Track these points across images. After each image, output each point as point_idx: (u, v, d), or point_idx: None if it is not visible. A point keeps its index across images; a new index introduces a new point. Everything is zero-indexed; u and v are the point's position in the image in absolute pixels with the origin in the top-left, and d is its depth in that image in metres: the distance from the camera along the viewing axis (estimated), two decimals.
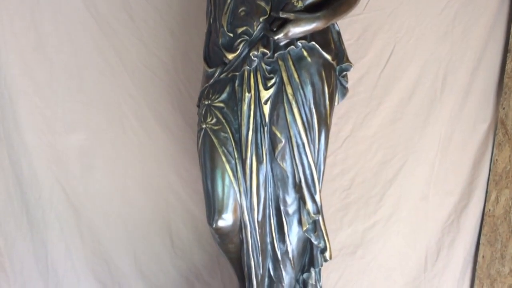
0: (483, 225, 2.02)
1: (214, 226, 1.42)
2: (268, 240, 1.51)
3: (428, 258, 2.08)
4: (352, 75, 1.69)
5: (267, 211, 1.47)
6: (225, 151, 1.40)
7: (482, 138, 1.97)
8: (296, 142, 1.37)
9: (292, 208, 1.47)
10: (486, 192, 2.00)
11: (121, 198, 1.94)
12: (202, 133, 1.43)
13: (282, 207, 1.46)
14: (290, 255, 1.52)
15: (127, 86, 1.84)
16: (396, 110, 1.91)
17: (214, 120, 1.40)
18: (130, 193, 1.94)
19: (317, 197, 1.43)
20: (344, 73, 1.48)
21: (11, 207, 1.90)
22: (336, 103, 1.50)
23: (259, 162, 1.40)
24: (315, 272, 1.63)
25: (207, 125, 1.41)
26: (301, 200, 1.44)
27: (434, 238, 2.07)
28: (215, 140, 1.39)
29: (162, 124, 1.88)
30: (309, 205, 1.43)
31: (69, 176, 1.90)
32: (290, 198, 1.46)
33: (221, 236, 1.46)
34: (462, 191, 2.01)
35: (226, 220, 1.42)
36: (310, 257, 1.61)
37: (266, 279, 1.57)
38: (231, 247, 1.51)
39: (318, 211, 1.44)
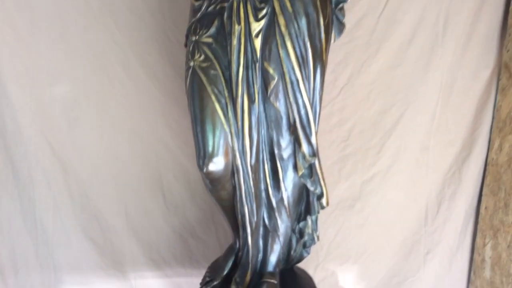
0: (485, 175, 1.95)
1: (204, 170, 1.34)
2: (262, 187, 1.44)
3: (429, 211, 2.03)
4: (349, 19, 1.60)
5: (261, 155, 1.40)
6: (215, 90, 1.31)
7: (485, 84, 1.88)
8: (290, 78, 1.28)
9: (286, 152, 1.39)
10: (489, 140, 1.93)
11: (109, 151, 1.87)
12: (190, 71, 1.34)
13: (276, 151, 1.39)
14: (286, 203, 1.45)
15: (111, 32, 1.74)
16: (395, 56, 1.82)
17: (203, 57, 1.31)
18: (118, 146, 1.87)
19: (312, 139, 1.35)
20: (341, 5, 1.38)
21: None
22: (332, 41, 1.41)
23: (251, 101, 1.32)
24: (311, 220, 1.57)
25: (195, 63, 1.32)
26: (296, 142, 1.36)
27: (435, 190, 2.01)
28: (203, 78, 1.31)
29: (149, 73, 1.79)
30: (305, 147, 1.35)
31: (54, 129, 1.82)
32: (285, 141, 1.38)
33: (213, 181, 1.39)
34: (464, 141, 1.94)
35: (217, 164, 1.34)
36: (306, 205, 1.55)
37: (261, 229, 1.51)
38: (224, 194, 1.44)
39: (314, 153, 1.36)
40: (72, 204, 1.91)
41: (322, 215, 1.97)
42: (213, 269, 1.63)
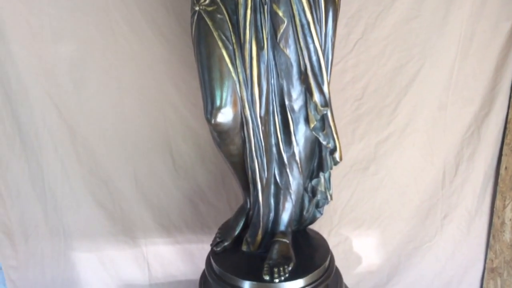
0: (506, 133, 1.88)
1: (212, 122, 1.29)
2: (273, 141, 1.39)
3: (446, 173, 1.96)
4: None
5: (270, 106, 1.34)
6: (222, 35, 1.25)
7: (506, 37, 1.79)
8: (300, 21, 1.21)
9: (298, 104, 1.33)
10: (510, 97, 1.84)
11: (116, 113, 1.82)
12: (196, 17, 1.28)
13: (287, 102, 1.33)
14: (297, 158, 1.40)
15: None
16: (412, 7, 1.73)
17: (208, 0, 1.25)
18: (125, 107, 1.81)
19: (325, 88, 1.29)
20: None
21: (2, 126, 1.80)
22: None
23: (260, 47, 1.25)
24: (324, 178, 1.52)
25: (201, 7, 1.26)
26: (307, 91, 1.30)
27: (453, 151, 1.94)
28: (210, 23, 1.25)
29: (155, 29, 1.72)
30: (316, 96, 1.29)
31: (60, 91, 1.77)
32: (296, 91, 1.32)
33: (221, 134, 1.33)
34: (484, 98, 1.86)
35: (225, 115, 1.29)
36: (319, 161, 1.49)
37: (272, 186, 1.46)
38: (233, 149, 1.39)
39: (327, 103, 1.30)
40: (80, 168, 1.87)
41: (336, 178, 1.93)
42: (224, 230, 1.59)
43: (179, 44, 1.73)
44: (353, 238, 2.04)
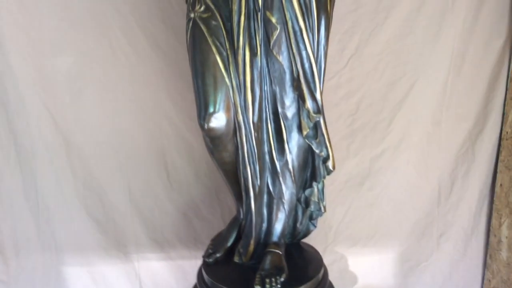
0: (500, 150, 1.88)
1: (205, 127, 1.29)
2: (266, 149, 1.39)
3: (442, 190, 1.95)
4: None
5: (264, 113, 1.35)
6: (216, 41, 1.27)
7: (498, 55, 1.82)
8: (293, 28, 1.23)
9: (291, 111, 1.34)
10: (503, 114, 1.85)
11: (112, 125, 1.82)
12: (191, 23, 1.30)
13: (280, 110, 1.33)
14: (290, 166, 1.39)
15: (114, 1, 1.72)
16: (404, 24, 1.77)
17: (203, 7, 1.27)
18: (121, 120, 1.82)
19: (317, 95, 1.29)
20: None
21: None
22: None
23: (253, 54, 1.27)
24: (318, 188, 1.51)
25: (196, 14, 1.28)
26: (299, 98, 1.31)
27: (448, 168, 1.94)
28: (204, 29, 1.27)
29: (153, 44, 1.75)
30: (309, 103, 1.29)
31: (57, 102, 1.79)
32: (288, 99, 1.33)
33: (214, 140, 1.34)
34: (477, 115, 1.87)
35: (218, 120, 1.29)
36: (312, 171, 1.49)
37: (265, 196, 1.45)
38: (226, 156, 1.39)
39: (319, 110, 1.30)
40: (74, 181, 1.87)
41: (330, 194, 1.92)
42: (216, 241, 1.57)
43: (175, 57, 1.76)
44: (349, 256, 2.02)
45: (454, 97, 1.85)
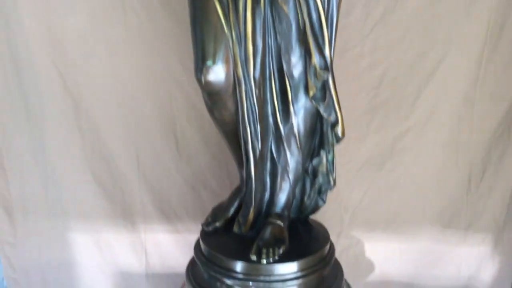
0: None
1: (203, 80, 1.21)
2: (269, 110, 1.29)
3: (472, 176, 1.79)
4: None
5: (267, 70, 1.25)
6: None
7: None
8: None
9: (297, 69, 1.24)
10: None
11: (122, 89, 1.76)
12: None
13: (285, 67, 1.23)
14: (295, 131, 1.29)
15: None
16: None
17: None
18: (131, 84, 1.75)
19: (325, 50, 1.18)
20: None
21: (10, 98, 1.78)
22: None
23: (255, 1, 1.17)
24: (327, 159, 1.39)
25: None
26: (306, 53, 1.20)
27: (480, 152, 1.76)
28: None
29: (165, 3, 1.68)
30: (315, 58, 1.18)
31: (67, 62, 1.74)
32: (295, 56, 1.22)
33: (212, 95, 1.25)
34: None
35: (216, 73, 1.20)
36: (320, 139, 1.38)
37: (268, 163, 1.35)
38: (226, 115, 1.30)
39: (327, 66, 1.19)
40: (82, 144, 1.82)
41: (348, 174, 1.80)
42: (217, 211, 1.49)
43: (187, 17, 1.67)
44: (366, 242, 1.88)
45: (489, 74, 1.68)
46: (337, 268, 1.43)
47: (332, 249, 1.41)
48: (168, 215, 1.90)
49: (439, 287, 1.91)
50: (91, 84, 1.76)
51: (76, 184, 1.87)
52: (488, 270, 1.87)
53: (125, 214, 1.90)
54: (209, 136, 1.80)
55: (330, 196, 1.79)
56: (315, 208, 1.50)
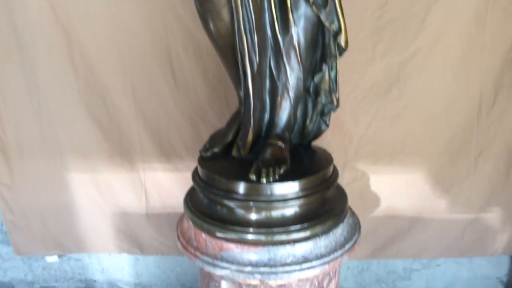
0: None
1: None
2: (267, 19, 1.20)
3: (483, 101, 1.70)
4: None
5: None
6: None
7: None
8: None
9: None
10: None
11: (114, 20, 1.66)
12: None
13: None
14: (295, 42, 1.21)
15: None
16: None
17: None
18: (124, 13, 1.66)
19: None
20: None
21: (1, 33, 1.70)
22: None
23: None
24: (329, 75, 1.31)
25: None
26: None
27: (491, 75, 1.67)
28: None
29: None
30: None
31: None
32: None
33: (204, 2, 1.18)
34: None
35: None
36: (322, 53, 1.29)
37: (268, 81, 1.27)
38: (221, 27, 1.23)
39: None
40: (76, 79, 1.75)
41: (352, 102, 1.72)
42: (215, 137, 1.42)
43: None
44: (371, 175, 1.82)
45: None
46: (341, 193, 1.37)
47: (335, 172, 1.35)
48: (167, 152, 1.84)
49: (447, 221, 1.85)
50: (83, 16, 1.68)
51: (72, 121, 1.81)
52: (500, 200, 1.80)
53: (123, 152, 1.84)
54: (207, 66, 1.71)
55: (334, 127, 1.73)
56: (318, 133, 1.43)
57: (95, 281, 2.16)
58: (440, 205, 1.83)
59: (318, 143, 1.46)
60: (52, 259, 2.08)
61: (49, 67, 1.74)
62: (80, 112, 1.79)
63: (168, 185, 1.88)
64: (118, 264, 2.12)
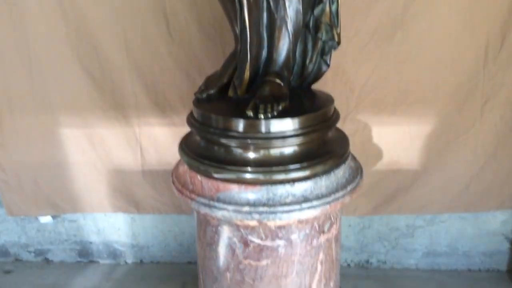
0: None
1: None
2: None
3: (490, 45, 1.63)
4: None
5: None
6: None
7: None
8: None
9: None
10: None
11: None
12: None
13: None
14: None
15: None
16: None
17: None
18: None
19: None
20: None
21: None
22: None
23: None
24: (330, 8, 1.24)
25: None
26: None
27: (499, 18, 1.60)
28: None
29: None
30: None
31: None
32: None
33: None
34: None
35: None
36: None
37: (265, 14, 1.21)
38: None
39: None
40: (66, 29, 1.68)
41: (354, 49, 1.64)
42: (210, 78, 1.36)
43: None
44: (373, 126, 1.76)
45: None
46: (342, 136, 1.31)
47: (336, 113, 1.29)
48: (162, 106, 1.79)
49: (452, 174, 1.80)
50: None
51: (63, 74, 1.75)
52: (506, 151, 1.74)
53: (117, 106, 1.79)
54: (202, 14, 1.65)
55: (335, 76, 1.67)
56: (318, 74, 1.37)
57: (90, 242, 2.11)
58: (444, 157, 1.77)
59: None
60: (46, 219, 2.03)
61: (39, 19, 1.68)
62: (71, 65, 1.73)
63: (164, 140, 1.83)
64: (114, 225, 2.07)
